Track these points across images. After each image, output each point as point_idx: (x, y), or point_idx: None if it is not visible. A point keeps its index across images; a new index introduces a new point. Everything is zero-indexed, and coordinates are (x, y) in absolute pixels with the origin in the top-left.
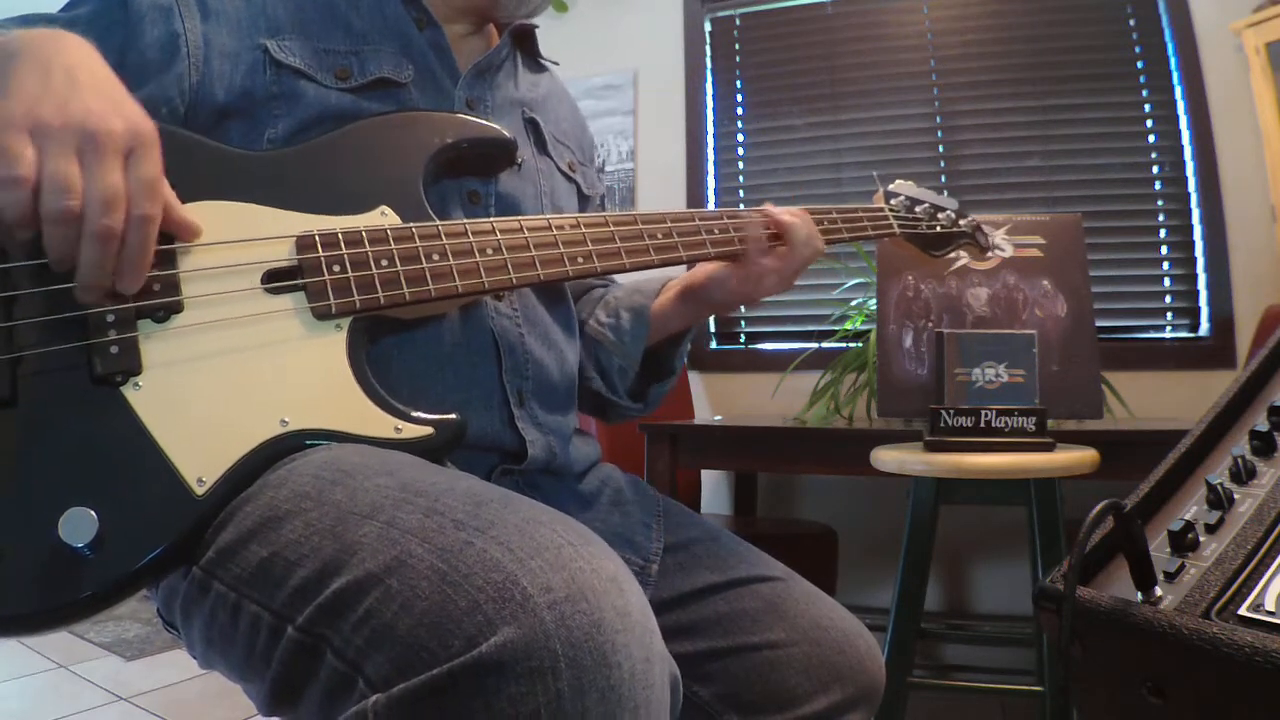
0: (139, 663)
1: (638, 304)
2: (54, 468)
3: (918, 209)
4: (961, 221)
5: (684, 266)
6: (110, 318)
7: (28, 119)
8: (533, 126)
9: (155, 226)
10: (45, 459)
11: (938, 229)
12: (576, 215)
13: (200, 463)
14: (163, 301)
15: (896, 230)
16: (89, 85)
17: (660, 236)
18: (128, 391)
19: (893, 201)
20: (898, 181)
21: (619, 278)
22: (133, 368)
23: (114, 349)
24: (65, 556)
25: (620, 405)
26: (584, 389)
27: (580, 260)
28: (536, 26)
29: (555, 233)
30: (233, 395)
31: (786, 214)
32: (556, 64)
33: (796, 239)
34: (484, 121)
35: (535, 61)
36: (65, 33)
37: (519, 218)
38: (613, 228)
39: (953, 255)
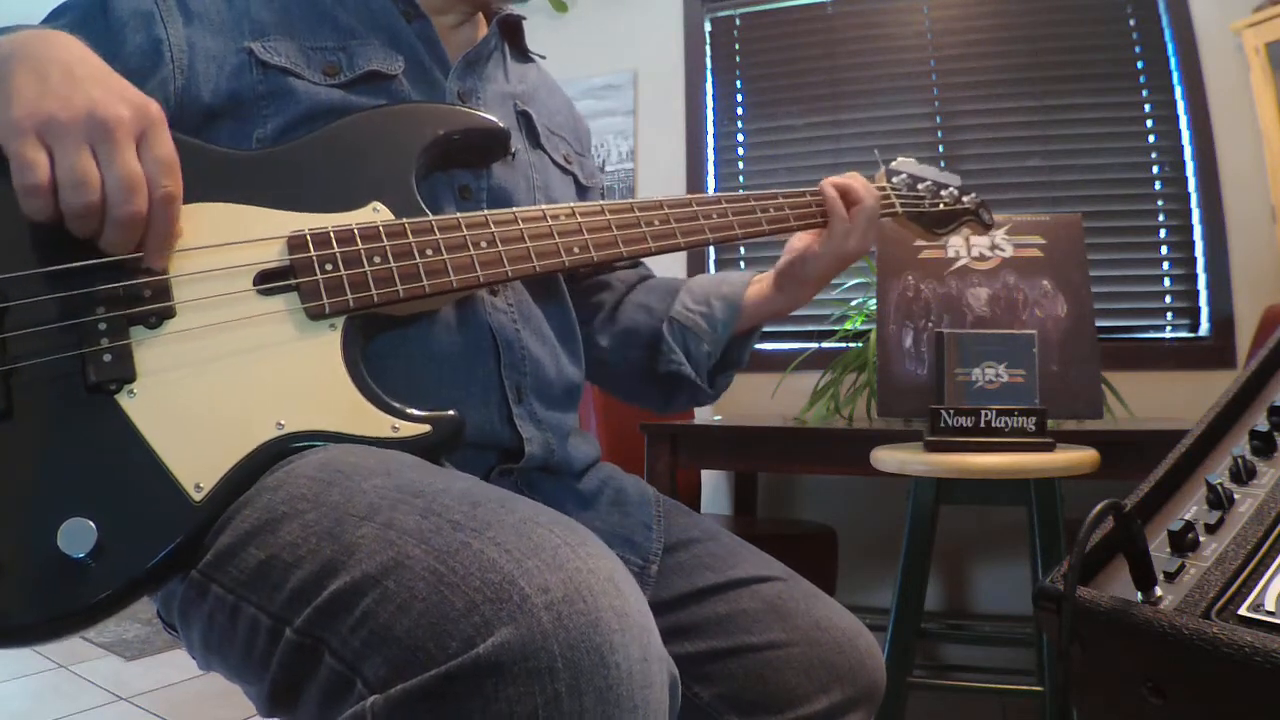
0: (139, 663)
1: (728, 293)
2: (51, 479)
3: (920, 186)
4: (965, 199)
5: (686, 253)
6: (103, 325)
7: (34, 120)
8: (525, 119)
9: (178, 203)
10: (42, 470)
11: (940, 207)
12: (572, 205)
13: (197, 468)
14: (154, 307)
15: (899, 210)
16: (88, 77)
17: (657, 224)
18: (122, 399)
19: (894, 180)
20: (900, 159)
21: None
22: (127, 375)
23: (107, 357)
24: (65, 567)
25: (701, 388)
26: (659, 372)
27: (576, 250)
28: (524, 18)
29: (550, 223)
30: (228, 399)
31: (840, 179)
32: (544, 57)
33: (860, 192)
34: (476, 111)
35: (522, 54)
36: (52, 31)
37: (513, 209)
38: (609, 216)
39: (955, 237)
